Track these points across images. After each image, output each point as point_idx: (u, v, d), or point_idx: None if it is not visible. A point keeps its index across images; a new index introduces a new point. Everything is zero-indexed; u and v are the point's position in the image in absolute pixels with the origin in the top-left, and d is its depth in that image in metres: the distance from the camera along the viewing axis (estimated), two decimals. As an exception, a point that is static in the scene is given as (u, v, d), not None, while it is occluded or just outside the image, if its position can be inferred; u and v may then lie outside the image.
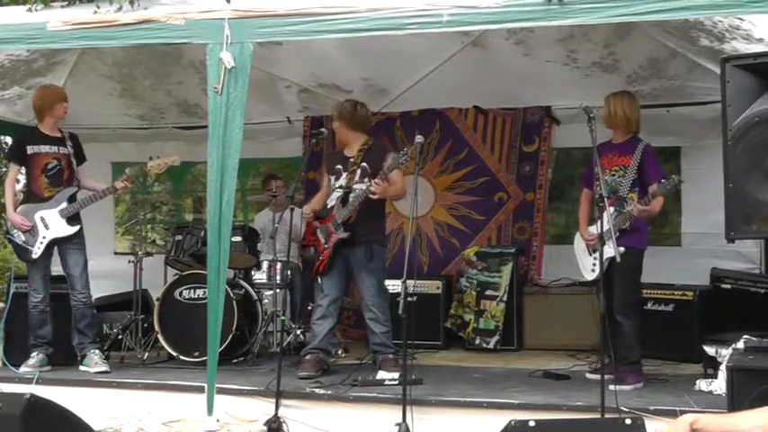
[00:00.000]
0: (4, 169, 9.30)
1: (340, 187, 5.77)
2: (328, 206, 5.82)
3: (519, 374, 5.76)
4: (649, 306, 6.24)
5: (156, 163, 6.05)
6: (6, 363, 5.92)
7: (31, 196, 6.02)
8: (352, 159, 5.81)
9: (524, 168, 7.78)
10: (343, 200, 5.71)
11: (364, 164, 5.77)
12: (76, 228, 5.98)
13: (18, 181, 6.43)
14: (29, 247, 5.87)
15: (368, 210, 5.69)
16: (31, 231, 5.87)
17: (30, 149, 5.97)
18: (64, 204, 5.95)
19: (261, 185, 7.85)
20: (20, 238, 5.88)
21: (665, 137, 7.02)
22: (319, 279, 5.74)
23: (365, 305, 5.72)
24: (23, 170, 6.18)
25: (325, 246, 5.72)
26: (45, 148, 5.99)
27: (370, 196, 5.57)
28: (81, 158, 6.19)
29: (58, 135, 6.08)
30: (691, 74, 6.44)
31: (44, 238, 5.88)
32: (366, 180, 5.71)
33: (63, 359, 5.96)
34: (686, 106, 7.03)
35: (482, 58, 6.63)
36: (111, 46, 5.91)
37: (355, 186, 5.73)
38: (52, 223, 5.90)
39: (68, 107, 6.12)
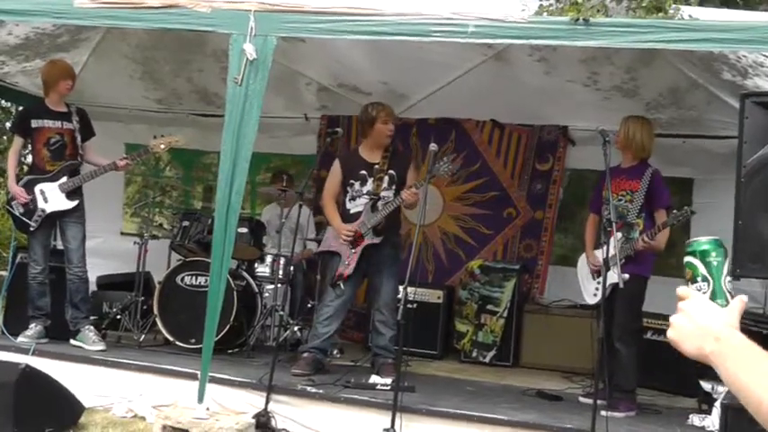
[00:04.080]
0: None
1: (367, 193, 5.75)
2: (351, 211, 5.77)
3: (512, 391, 5.75)
4: (649, 335, 6.21)
5: (160, 142, 6.07)
6: (5, 331, 5.94)
7: (34, 169, 6.06)
8: (377, 166, 5.79)
9: (536, 186, 7.76)
10: (372, 206, 5.71)
11: (392, 171, 5.78)
12: (75, 202, 5.99)
13: (24, 157, 6.47)
14: (26, 220, 5.90)
15: (392, 214, 5.72)
16: (30, 204, 5.89)
17: (34, 123, 5.99)
18: (64, 179, 5.97)
19: (270, 181, 7.87)
20: (18, 209, 5.91)
21: (679, 167, 7.01)
22: (341, 284, 5.66)
23: (378, 307, 5.71)
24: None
25: (353, 251, 5.69)
26: (49, 123, 6.00)
27: (403, 204, 5.60)
28: (88, 134, 6.21)
29: (64, 110, 6.09)
30: (710, 106, 6.42)
31: (42, 211, 5.90)
32: (393, 187, 5.73)
33: (60, 332, 5.97)
34: (702, 138, 7.01)
35: (503, 72, 6.63)
36: (135, 27, 5.94)
37: (383, 194, 5.72)
38: (51, 197, 5.92)
39: (79, 83, 6.12)
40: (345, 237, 5.65)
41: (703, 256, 1.41)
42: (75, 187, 6.00)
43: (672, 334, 1.33)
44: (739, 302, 1.35)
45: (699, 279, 1.40)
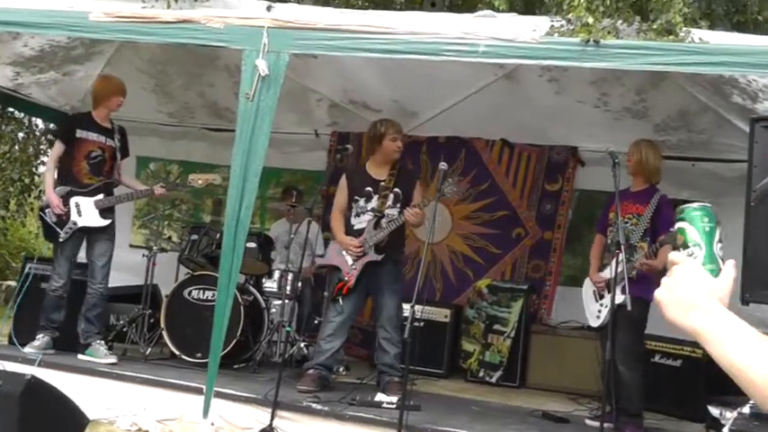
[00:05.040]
0: (31, 149, 9.39)
1: (372, 210, 5.73)
2: (355, 227, 5.75)
3: (518, 412, 5.72)
4: (656, 359, 6.18)
5: (198, 177, 6.13)
6: (15, 340, 5.95)
7: (70, 180, 6.02)
8: (383, 183, 5.79)
9: (545, 207, 7.75)
10: (375, 224, 5.70)
11: (397, 189, 5.77)
12: (108, 221, 6.02)
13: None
14: (57, 230, 5.90)
15: (396, 232, 5.70)
16: (64, 215, 5.90)
17: (79, 133, 6.00)
18: (101, 196, 5.99)
19: (280, 196, 7.89)
20: (51, 218, 5.91)
21: (688, 190, 6.98)
22: (341, 299, 5.66)
23: (381, 324, 5.68)
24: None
25: (353, 267, 5.69)
26: (93, 136, 6.03)
27: (409, 222, 5.60)
28: (125, 152, 6.27)
29: (109, 126, 6.13)
30: (719, 129, 6.42)
31: (74, 224, 5.91)
32: (398, 205, 5.72)
33: (65, 344, 5.98)
34: (712, 162, 6.99)
35: (514, 91, 6.65)
36: (149, 42, 5.99)
37: (388, 212, 5.71)
38: (86, 211, 5.93)
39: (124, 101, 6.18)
40: (354, 250, 5.64)
41: (695, 221, 1.39)
42: (110, 206, 6.04)
43: (660, 295, 1.32)
44: (732, 269, 1.33)
45: (690, 244, 1.37)
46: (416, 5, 10.02)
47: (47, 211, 5.94)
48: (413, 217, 5.52)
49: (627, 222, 5.33)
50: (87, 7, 5.49)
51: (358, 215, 5.78)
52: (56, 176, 6.09)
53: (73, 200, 5.93)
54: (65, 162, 6.04)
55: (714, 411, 5.05)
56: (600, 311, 5.36)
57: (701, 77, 5.56)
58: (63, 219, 5.89)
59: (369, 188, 5.79)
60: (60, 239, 5.91)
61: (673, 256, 1.35)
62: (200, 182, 6.13)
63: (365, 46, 4.97)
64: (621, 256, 4.77)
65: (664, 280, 1.33)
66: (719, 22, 7.33)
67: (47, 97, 7.81)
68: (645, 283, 5.22)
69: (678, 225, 1.41)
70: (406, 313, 5.37)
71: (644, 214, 5.32)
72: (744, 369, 1.18)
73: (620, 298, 4.89)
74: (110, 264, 6.03)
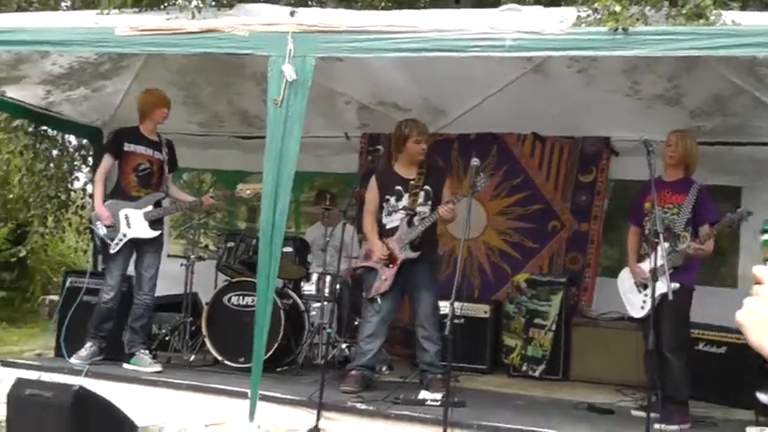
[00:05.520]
0: (65, 166, 9.52)
1: (403, 209, 5.74)
2: (387, 226, 5.77)
3: (562, 405, 5.69)
4: (701, 347, 6.11)
5: (246, 187, 6.17)
6: (64, 352, 6.02)
7: (118, 193, 6.13)
8: (412, 182, 5.80)
9: (580, 198, 7.70)
10: (409, 222, 5.71)
11: (427, 187, 5.78)
12: (158, 232, 6.11)
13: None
14: (108, 242, 5.98)
15: (429, 231, 5.71)
16: (114, 227, 5.98)
17: (126, 146, 6.10)
18: (149, 207, 6.07)
19: (313, 200, 7.92)
20: (102, 230, 5.99)
21: (726, 176, 6.89)
22: (378, 299, 5.68)
23: (419, 323, 5.69)
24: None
25: (389, 266, 5.70)
26: (141, 149, 6.13)
27: (442, 219, 5.61)
28: (173, 165, 6.36)
29: (156, 139, 6.22)
30: (755, 111, 6.32)
31: (124, 235, 5.99)
32: (429, 203, 5.73)
33: (109, 354, 6.07)
34: (748, 146, 6.89)
35: (543, 84, 6.60)
36: (175, 53, 6.04)
37: (419, 209, 5.72)
38: (135, 223, 6.02)
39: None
40: (379, 258, 5.66)
41: None
42: (159, 218, 6.12)
43: (742, 318, 1.21)
44: None
45: None
46: (440, 3, 10.00)
47: (97, 224, 6.01)
48: (447, 213, 5.52)
49: (666, 212, 5.28)
50: (112, 22, 5.55)
51: (389, 214, 5.79)
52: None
53: (122, 212, 6.02)
54: (113, 175, 6.14)
55: (762, 398, 4.99)
56: (645, 302, 5.30)
57: (734, 60, 5.48)
58: (113, 230, 5.97)
59: (399, 187, 5.80)
60: (111, 251, 5.98)
61: (758, 271, 1.23)
62: (248, 192, 6.15)
63: (390, 46, 4.96)
64: (661, 247, 4.72)
65: (746, 301, 1.22)
66: (752, 3, 7.20)
67: (78, 114, 7.91)
68: (688, 270, 5.18)
69: (763, 237, 1.32)
70: (444, 311, 5.37)
71: (684, 204, 5.27)
72: None
73: (662, 288, 4.84)
74: (157, 275, 6.12)
